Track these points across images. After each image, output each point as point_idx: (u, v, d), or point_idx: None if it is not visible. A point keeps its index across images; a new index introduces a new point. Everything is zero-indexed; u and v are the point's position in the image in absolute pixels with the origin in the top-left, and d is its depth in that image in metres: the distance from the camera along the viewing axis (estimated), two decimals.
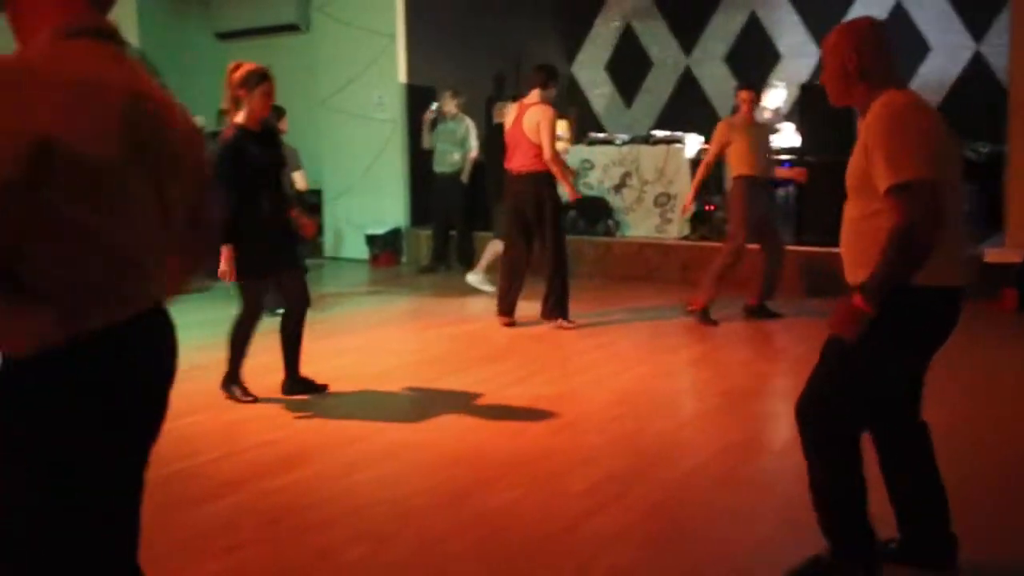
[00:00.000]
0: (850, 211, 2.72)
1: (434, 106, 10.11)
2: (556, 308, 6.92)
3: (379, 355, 6.29)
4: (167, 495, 3.78)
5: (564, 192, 7.09)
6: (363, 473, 4.01)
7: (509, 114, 7.01)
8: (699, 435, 4.53)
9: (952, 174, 2.64)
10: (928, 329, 2.67)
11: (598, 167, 10.04)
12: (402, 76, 11.00)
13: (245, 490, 3.84)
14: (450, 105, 9.74)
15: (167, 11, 12.43)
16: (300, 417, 4.85)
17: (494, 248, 8.43)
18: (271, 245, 4.78)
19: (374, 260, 11.06)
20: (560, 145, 10.02)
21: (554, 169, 6.78)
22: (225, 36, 12.72)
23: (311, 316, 7.43)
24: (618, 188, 9.91)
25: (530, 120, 6.72)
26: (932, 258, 2.48)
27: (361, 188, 11.38)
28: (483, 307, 7.70)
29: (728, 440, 4.39)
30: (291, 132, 11.88)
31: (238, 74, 4.62)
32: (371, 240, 11.07)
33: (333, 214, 11.69)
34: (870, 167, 2.56)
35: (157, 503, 3.73)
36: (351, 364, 5.98)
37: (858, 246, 2.67)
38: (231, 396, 5.01)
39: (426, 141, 10.16)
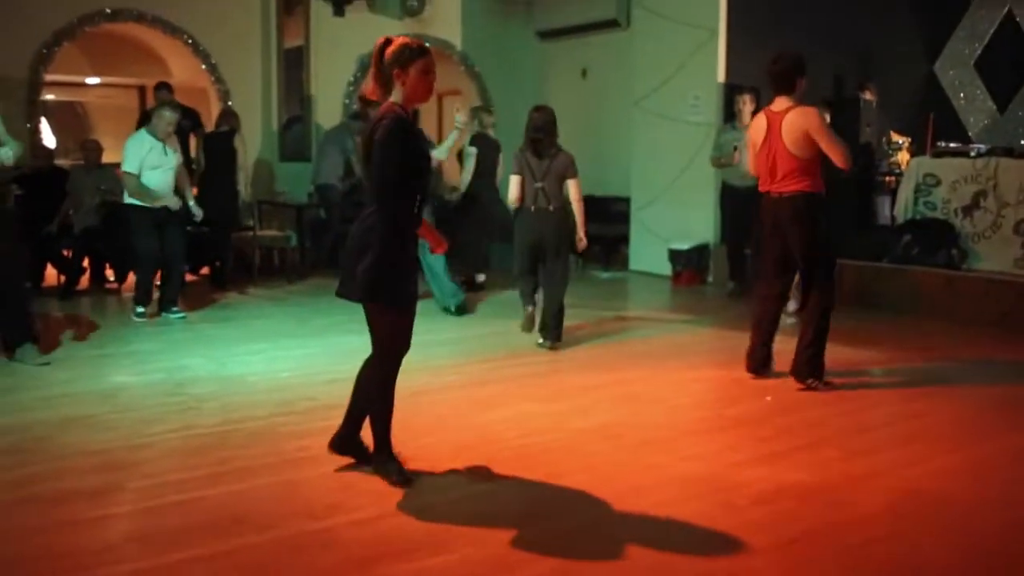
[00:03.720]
0: None
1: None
2: (808, 365, 5.50)
3: (609, 401, 5.29)
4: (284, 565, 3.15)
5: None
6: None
7: (755, 128, 5.63)
8: None
9: None
10: None
11: (944, 183, 8.29)
12: (721, 75, 9.85)
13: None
14: (748, 108, 8.48)
15: (490, 11, 12.20)
16: (463, 483, 4.03)
17: None
18: (414, 264, 3.96)
19: (676, 278, 10.04)
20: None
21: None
22: (546, 35, 12.30)
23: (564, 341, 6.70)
24: (968, 210, 8.11)
25: (792, 127, 5.32)
26: None
27: (668, 198, 10.38)
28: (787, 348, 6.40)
29: None
30: (604, 136, 11.24)
31: (390, 49, 3.83)
32: (674, 256, 10.05)
33: (639, 224, 10.81)
34: None
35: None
36: (569, 411, 5.09)
37: None
38: (385, 478, 3.93)
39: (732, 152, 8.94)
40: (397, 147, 3.72)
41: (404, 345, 3.98)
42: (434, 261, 7.68)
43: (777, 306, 5.75)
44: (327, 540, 3.37)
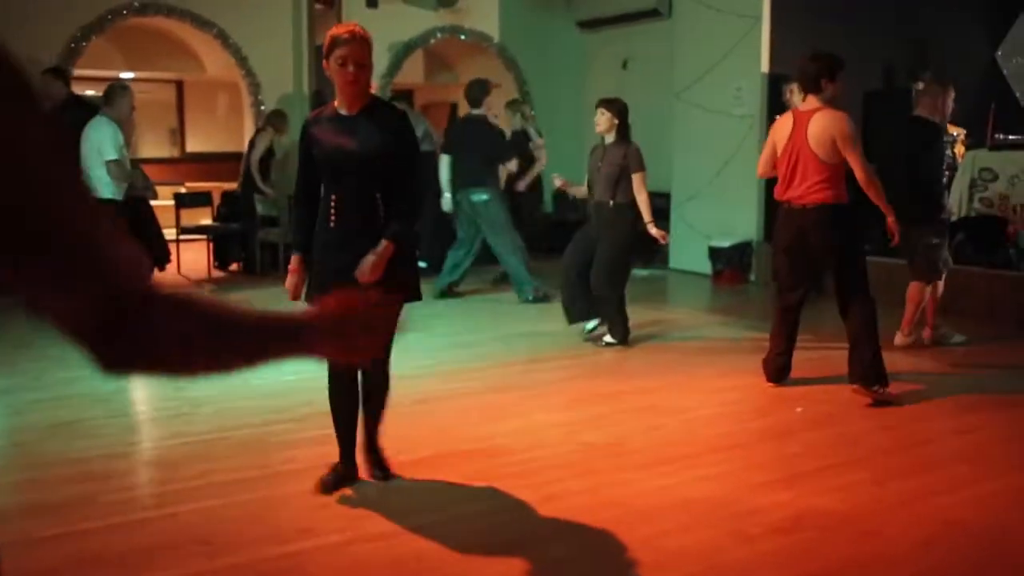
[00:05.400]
0: None
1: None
2: (868, 371, 5.03)
3: (626, 412, 4.92)
4: None
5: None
6: None
7: (778, 127, 5.26)
8: None
9: None
10: None
11: (1003, 178, 7.80)
12: (764, 65, 9.39)
13: None
14: (797, 99, 8.01)
15: (528, 2, 11.86)
16: (453, 503, 3.71)
17: (916, 293, 6.41)
18: (340, 270, 3.51)
19: (716, 276, 9.61)
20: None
21: (872, 191, 5.06)
22: (586, 25, 11.94)
23: (578, 345, 6.37)
24: None
25: (819, 129, 4.93)
26: None
27: (709, 193, 9.95)
28: (820, 355, 5.97)
29: None
30: (644, 129, 10.82)
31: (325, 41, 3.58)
32: (714, 253, 9.62)
33: (680, 220, 10.39)
34: None
35: None
36: (581, 422, 4.74)
37: None
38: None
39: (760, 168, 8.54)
40: (300, 157, 3.72)
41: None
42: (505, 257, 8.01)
43: (795, 316, 5.34)
44: (289, 567, 3.09)
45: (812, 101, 5.07)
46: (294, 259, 3.70)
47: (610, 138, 6.31)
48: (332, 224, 3.56)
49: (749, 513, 3.53)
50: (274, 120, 9.83)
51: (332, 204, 3.55)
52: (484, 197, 7.88)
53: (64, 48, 9.35)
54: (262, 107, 10.37)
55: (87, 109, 7.73)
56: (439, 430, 4.42)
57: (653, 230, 6.25)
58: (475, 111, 8.12)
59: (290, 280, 3.69)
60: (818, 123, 4.96)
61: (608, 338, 6.43)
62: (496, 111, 8.57)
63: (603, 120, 6.30)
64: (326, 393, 5.08)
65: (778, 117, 5.55)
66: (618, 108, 6.31)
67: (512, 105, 9.85)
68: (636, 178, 6.21)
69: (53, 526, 3.40)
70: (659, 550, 3.21)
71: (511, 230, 8.04)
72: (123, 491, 3.75)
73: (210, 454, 4.20)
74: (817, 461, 4.14)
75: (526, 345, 6.64)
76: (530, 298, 7.99)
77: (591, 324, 6.57)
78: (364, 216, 3.56)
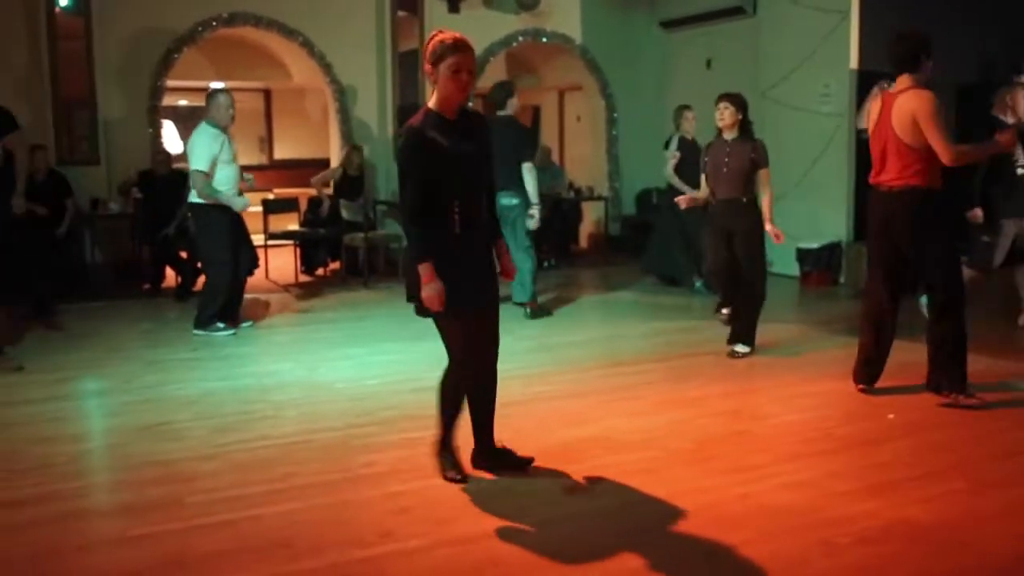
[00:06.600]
0: None
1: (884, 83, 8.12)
2: (950, 378, 4.85)
3: (708, 418, 4.82)
4: None
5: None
6: None
7: (871, 110, 5.04)
8: None
9: None
10: None
11: None
12: (853, 61, 9.14)
13: None
14: None
15: (610, 2, 11.78)
16: (529, 511, 3.68)
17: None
18: (472, 269, 3.65)
19: (804, 278, 9.40)
20: None
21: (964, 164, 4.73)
22: (669, 25, 11.79)
23: (658, 349, 6.28)
24: None
25: (901, 110, 4.70)
26: None
27: (796, 194, 9.72)
28: (912, 359, 5.76)
29: None
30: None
31: (430, 45, 3.58)
32: (802, 255, 9.41)
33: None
34: None
35: None
36: (661, 427, 4.66)
37: None
38: (440, 468, 3.97)
39: (861, 121, 8.30)
40: (413, 168, 3.58)
41: (469, 354, 3.77)
42: (520, 262, 7.41)
43: (890, 312, 5.11)
44: (370, 571, 3.10)
45: (904, 81, 4.81)
46: (430, 268, 3.56)
47: (731, 134, 6.20)
48: (457, 228, 3.60)
49: (835, 522, 3.42)
50: (349, 156, 10.09)
51: (457, 208, 3.59)
52: (515, 201, 7.52)
53: (159, 60, 9.63)
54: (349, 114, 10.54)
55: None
56: (519, 435, 4.39)
57: (770, 227, 6.15)
58: (500, 113, 7.84)
59: (435, 288, 3.55)
60: (900, 104, 4.73)
61: (741, 348, 6.24)
62: (519, 112, 8.27)
63: (727, 115, 6.18)
64: (407, 397, 5.16)
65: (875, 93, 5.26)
66: (741, 102, 6.20)
67: (685, 110, 9.23)
68: (765, 173, 6.17)
69: (140, 526, 3.49)
70: (743, 560, 3.13)
71: (529, 235, 7.76)
72: (207, 493, 3.82)
73: (293, 457, 4.26)
74: (907, 470, 4.00)
75: (605, 349, 6.59)
76: (528, 312, 7.67)
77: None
78: (481, 217, 3.70)
